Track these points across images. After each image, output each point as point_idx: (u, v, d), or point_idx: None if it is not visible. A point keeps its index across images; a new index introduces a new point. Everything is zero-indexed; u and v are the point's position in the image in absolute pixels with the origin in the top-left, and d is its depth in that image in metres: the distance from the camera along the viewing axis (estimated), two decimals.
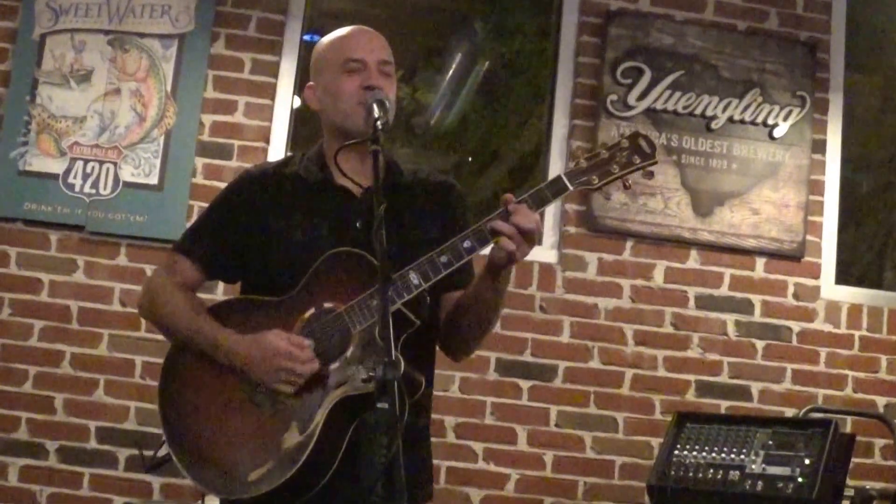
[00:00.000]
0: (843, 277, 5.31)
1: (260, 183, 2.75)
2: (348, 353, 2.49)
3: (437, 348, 2.77)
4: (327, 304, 2.53)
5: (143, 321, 4.67)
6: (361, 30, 2.77)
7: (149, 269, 4.76)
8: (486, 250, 2.51)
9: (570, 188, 2.51)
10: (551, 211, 5.07)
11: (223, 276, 2.85)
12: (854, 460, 3.63)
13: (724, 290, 5.12)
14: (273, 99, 5.00)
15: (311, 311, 2.55)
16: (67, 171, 4.78)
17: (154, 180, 4.83)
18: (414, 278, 2.46)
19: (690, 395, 5.00)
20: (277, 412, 2.50)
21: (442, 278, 2.51)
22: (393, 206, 2.60)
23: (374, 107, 2.51)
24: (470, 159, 6.48)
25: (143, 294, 2.83)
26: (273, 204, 2.70)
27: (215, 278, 2.85)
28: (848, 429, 4.71)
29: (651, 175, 2.60)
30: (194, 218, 4.75)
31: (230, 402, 2.54)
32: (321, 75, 2.73)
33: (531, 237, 2.44)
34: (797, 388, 5.08)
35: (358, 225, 2.61)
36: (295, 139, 5.05)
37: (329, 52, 2.74)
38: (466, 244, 2.47)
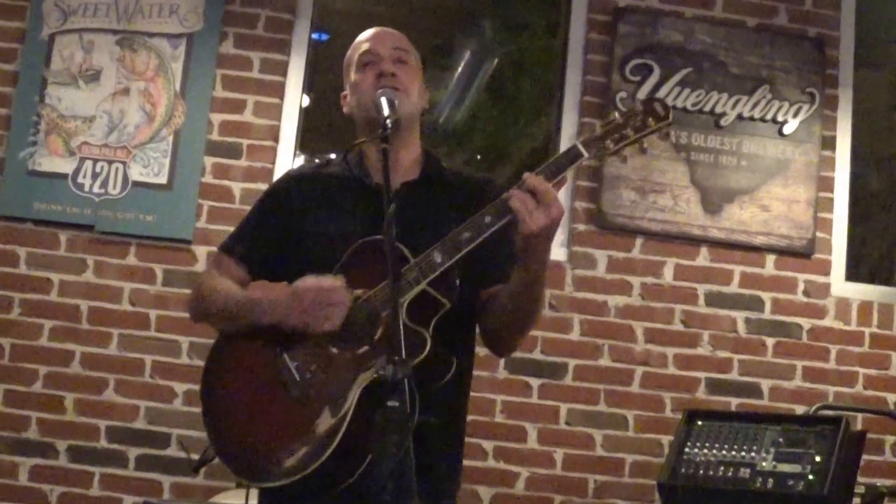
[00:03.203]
0: (853, 274, 5.30)
1: (298, 183, 2.81)
2: (376, 337, 2.49)
3: (479, 340, 2.78)
4: (357, 292, 2.54)
5: (152, 320, 4.71)
6: (376, 28, 2.83)
7: (158, 269, 4.77)
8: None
9: (586, 154, 2.50)
10: None
11: (266, 273, 2.85)
12: (864, 457, 3.61)
13: (733, 288, 5.11)
14: (282, 98, 5.00)
15: None
16: (77, 171, 4.79)
17: (163, 180, 4.83)
18: (437, 257, 2.46)
19: (700, 393, 5.00)
20: (310, 398, 2.50)
21: (479, 273, 2.56)
22: (431, 199, 2.68)
23: (383, 104, 2.51)
24: (478, 157, 6.48)
25: (191, 294, 2.88)
26: (311, 203, 2.74)
27: (259, 276, 2.86)
28: (858, 426, 4.70)
29: (667, 136, 2.58)
30: (203, 217, 4.79)
31: (265, 390, 2.56)
32: (347, 78, 2.80)
33: (544, 201, 2.39)
34: (807, 385, 5.06)
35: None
36: (304, 138, 5.05)
37: (349, 54, 2.81)
38: (487, 219, 2.46)
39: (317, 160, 2.94)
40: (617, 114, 2.56)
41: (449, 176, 2.80)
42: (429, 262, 2.46)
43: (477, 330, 2.78)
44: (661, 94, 5.11)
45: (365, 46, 2.75)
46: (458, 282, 2.52)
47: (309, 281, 2.53)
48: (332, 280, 2.53)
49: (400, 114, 2.63)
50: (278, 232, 2.75)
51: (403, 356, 2.15)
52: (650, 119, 2.54)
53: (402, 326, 2.23)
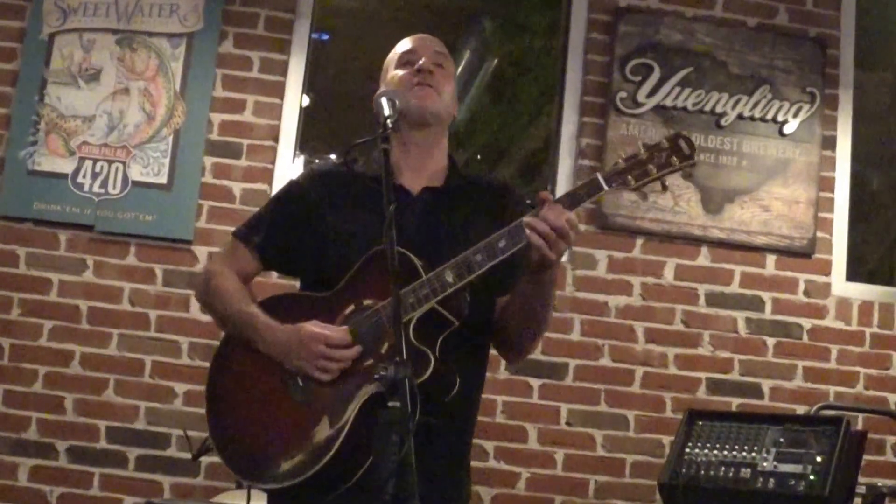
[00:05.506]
0: (853, 274, 5.29)
1: (321, 178, 2.80)
2: (382, 350, 2.49)
3: (492, 351, 2.77)
4: (367, 301, 2.54)
5: (152, 321, 4.71)
6: (419, 34, 2.85)
7: (158, 269, 4.77)
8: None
9: (606, 188, 2.45)
10: None
11: (278, 266, 2.89)
12: (865, 458, 3.61)
13: (734, 288, 5.10)
14: (282, 97, 4.99)
15: (351, 307, 2.56)
16: (76, 171, 4.79)
17: (163, 179, 4.83)
18: (449, 276, 2.45)
19: (701, 393, 4.99)
20: (312, 405, 2.51)
21: (494, 282, 2.55)
22: (454, 209, 2.68)
23: (384, 104, 2.50)
24: (479, 157, 6.48)
25: (200, 276, 2.91)
26: (332, 199, 2.73)
27: (271, 268, 2.89)
28: (859, 426, 4.69)
29: (690, 175, 2.55)
30: (203, 217, 4.78)
31: (269, 392, 2.57)
32: (384, 78, 2.80)
33: (564, 235, 2.39)
34: (808, 385, 5.06)
35: (411, 222, 2.60)
36: (304, 138, 5.04)
37: (390, 55, 2.83)
38: (502, 244, 2.44)
39: (339, 158, 2.94)
40: (642, 148, 2.50)
41: (470, 184, 2.79)
42: (440, 280, 2.45)
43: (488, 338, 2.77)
44: (661, 93, 5.11)
45: (407, 46, 2.78)
46: (468, 299, 2.51)
47: (316, 329, 2.52)
48: (340, 334, 2.51)
49: (431, 111, 2.67)
50: (296, 225, 2.74)
51: (405, 356, 2.15)
52: (674, 157, 2.48)
53: (405, 332, 2.22)
